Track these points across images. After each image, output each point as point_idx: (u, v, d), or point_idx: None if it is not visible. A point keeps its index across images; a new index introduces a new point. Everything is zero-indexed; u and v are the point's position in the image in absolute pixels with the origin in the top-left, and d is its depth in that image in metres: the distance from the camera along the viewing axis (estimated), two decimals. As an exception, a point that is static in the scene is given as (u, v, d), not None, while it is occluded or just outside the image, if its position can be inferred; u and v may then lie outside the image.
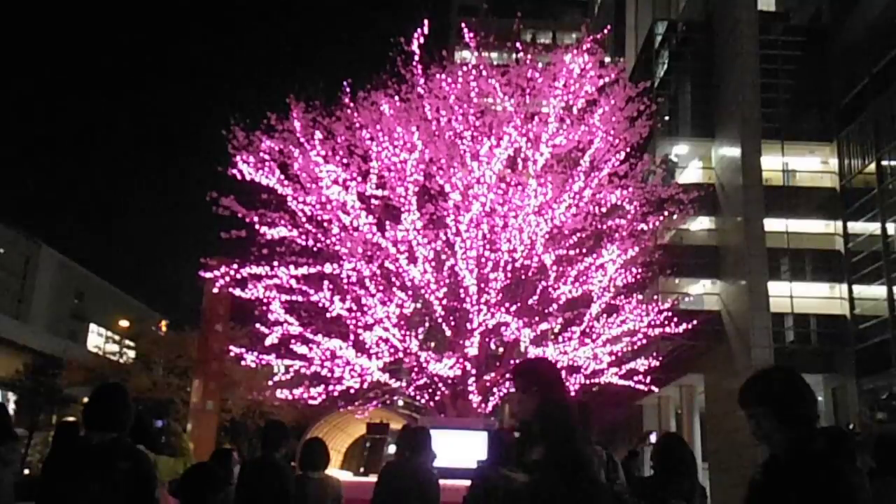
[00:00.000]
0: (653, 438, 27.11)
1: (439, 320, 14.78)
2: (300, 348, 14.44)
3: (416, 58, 14.67)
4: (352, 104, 14.85)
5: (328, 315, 14.34)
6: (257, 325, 14.68)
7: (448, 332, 15.02)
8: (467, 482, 4.74)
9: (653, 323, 15.87)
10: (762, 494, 2.31)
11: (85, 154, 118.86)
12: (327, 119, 14.83)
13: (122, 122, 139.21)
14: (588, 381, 15.50)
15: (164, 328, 34.27)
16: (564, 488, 2.55)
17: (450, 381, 14.76)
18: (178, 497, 3.89)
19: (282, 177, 14.56)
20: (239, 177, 14.43)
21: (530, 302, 15.22)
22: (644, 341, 16.11)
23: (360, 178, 14.53)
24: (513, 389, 3.07)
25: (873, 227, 25.11)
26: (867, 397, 23.94)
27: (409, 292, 14.62)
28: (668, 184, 18.76)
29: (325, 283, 14.15)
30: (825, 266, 26.74)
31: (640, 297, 16.65)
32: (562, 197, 14.69)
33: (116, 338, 36.72)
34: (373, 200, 14.61)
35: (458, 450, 8.77)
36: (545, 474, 2.62)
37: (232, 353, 15.68)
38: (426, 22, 14.62)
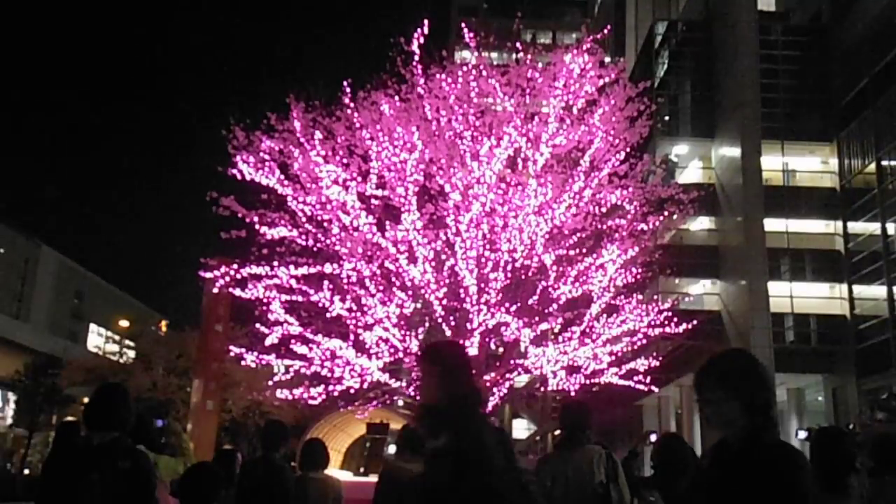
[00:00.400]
0: (653, 438, 27.13)
1: (439, 320, 14.77)
2: (300, 348, 14.44)
3: (416, 58, 14.66)
4: (352, 104, 14.84)
5: (328, 315, 14.34)
6: (257, 325, 14.68)
7: (448, 332, 15.02)
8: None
9: (653, 323, 15.86)
10: (710, 482, 2.25)
11: (85, 154, 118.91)
12: (327, 119, 14.82)
13: (122, 122, 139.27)
14: (588, 381, 15.50)
15: (164, 328, 34.28)
16: (458, 478, 2.41)
17: (450, 381, 14.74)
18: (179, 497, 3.89)
19: (282, 177, 14.56)
20: (239, 177, 14.43)
21: (530, 302, 15.21)
22: (644, 341, 16.10)
23: (360, 178, 14.52)
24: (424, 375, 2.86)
25: (873, 227, 25.12)
26: (867, 397, 23.95)
27: (409, 292, 14.62)
28: (668, 184, 18.75)
29: (325, 283, 14.15)
30: (825, 266, 26.76)
31: (640, 297, 16.63)
32: (562, 197, 14.69)
33: (116, 338, 36.73)
34: (373, 200, 14.60)
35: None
36: (441, 463, 2.48)
37: (232, 353, 15.69)
38: (426, 22, 14.62)
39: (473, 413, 2.59)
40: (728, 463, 2.18)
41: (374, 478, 5.64)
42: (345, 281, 14.40)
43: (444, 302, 14.56)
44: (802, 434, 20.45)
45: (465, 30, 15.49)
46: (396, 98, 14.84)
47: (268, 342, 14.39)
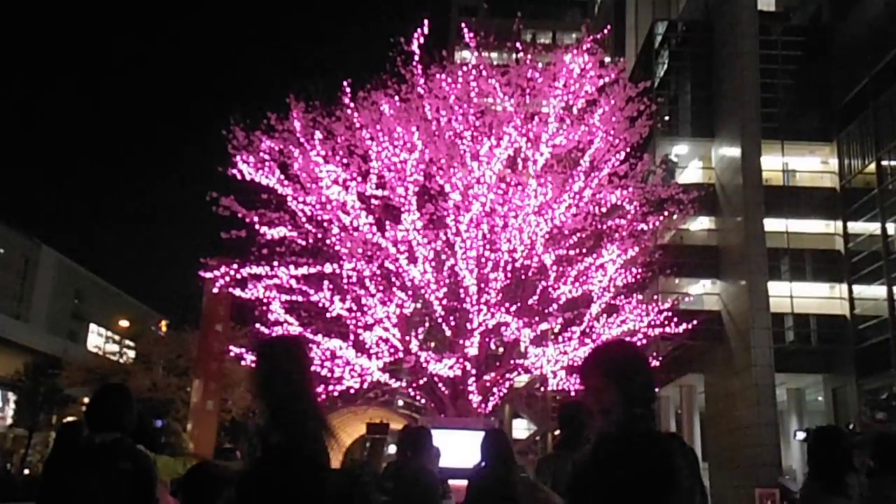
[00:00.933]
0: (653, 438, 27.13)
1: (439, 320, 14.78)
2: (300, 348, 14.43)
3: (416, 58, 14.67)
4: (352, 104, 14.85)
5: (328, 315, 14.35)
6: (257, 325, 14.69)
7: (448, 332, 15.02)
8: (466, 482, 4.75)
9: (653, 323, 15.87)
10: (588, 473, 2.23)
11: (85, 154, 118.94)
12: (327, 119, 14.83)
13: (122, 122, 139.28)
14: (588, 381, 15.48)
15: (164, 328, 34.27)
16: (272, 478, 2.37)
17: (450, 381, 14.77)
18: (179, 497, 3.89)
19: (282, 177, 14.57)
20: (239, 177, 14.43)
21: (530, 302, 15.22)
22: (644, 341, 16.10)
23: (360, 178, 14.53)
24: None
25: (873, 227, 25.11)
26: (867, 397, 23.94)
27: (409, 292, 14.63)
28: (668, 184, 18.75)
29: (325, 283, 14.16)
30: (825, 266, 26.74)
31: (640, 297, 16.64)
32: (562, 197, 14.69)
33: (116, 338, 36.74)
34: (373, 200, 14.62)
35: (458, 450, 8.76)
36: (260, 463, 2.43)
37: (232, 353, 15.70)
38: (426, 22, 14.63)
39: (298, 413, 2.48)
40: (604, 453, 2.19)
41: (373, 478, 5.63)
42: (345, 281, 14.40)
43: (444, 302, 14.56)
44: (801, 435, 20.45)
45: (465, 30, 15.49)
46: (396, 98, 14.84)
47: (268, 342, 14.38)
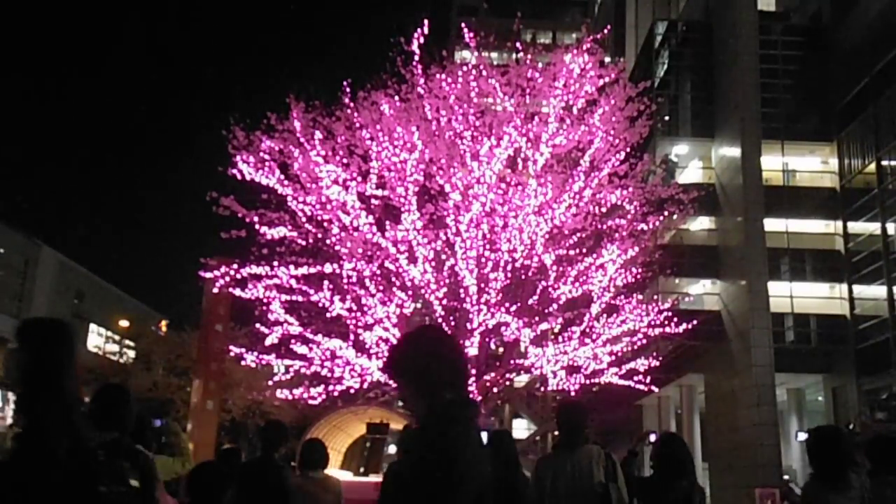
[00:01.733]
0: (652, 438, 27.17)
1: (439, 320, 14.79)
2: (300, 348, 14.46)
3: (416, 58, 14.67)
4: (352, 104, 14.86)
5: (328, 315, 14.37)
6: (257, 325, 14.70)
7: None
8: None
9: (653, 323, 15.88)
10: (394, 474, 2.21)
11: (85, 154, 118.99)
12: (327, 119, 14.84)
13: (122, 122, 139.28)
14: (588, 381, 15.51)
15: (164, 328, 34.25)
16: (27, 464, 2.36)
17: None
18: (189, 495, 3.90)
19: (282, 177, 14.58)
20: (239, 177, 14.44)
21: (530, 302, 15.23)
22: (644, 341, 16.12)
23: (360, 178, 14.54)
24: None
25: (873, 227, 25.11)
26: (867, 397, 23.93)
27: (409, 292, 14.64)
28: (668, 184, 18.76)
29: (325, 283, 14.17)
30: (825, 266, 26.73)
31: (640, 297, 16.65)
32: (562, 197, 14.70)
33: (116, 338, 36.68)
34: (373, 200, 14.62)
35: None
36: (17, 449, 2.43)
37: (232, 353, 15.71)
38: (426, 22, 14.64)
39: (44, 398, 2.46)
40: (404, 450, 2.19)
41: (374, 478, 5.64)
42: (345, 281, 14.41)
43: (444, 302, 14.57)
44: (802, 436, 20.45)
45: (465, 30, 15.49)
46: (396, 98, 14.85)
47: (268, 342, 14.41)
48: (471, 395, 2.20)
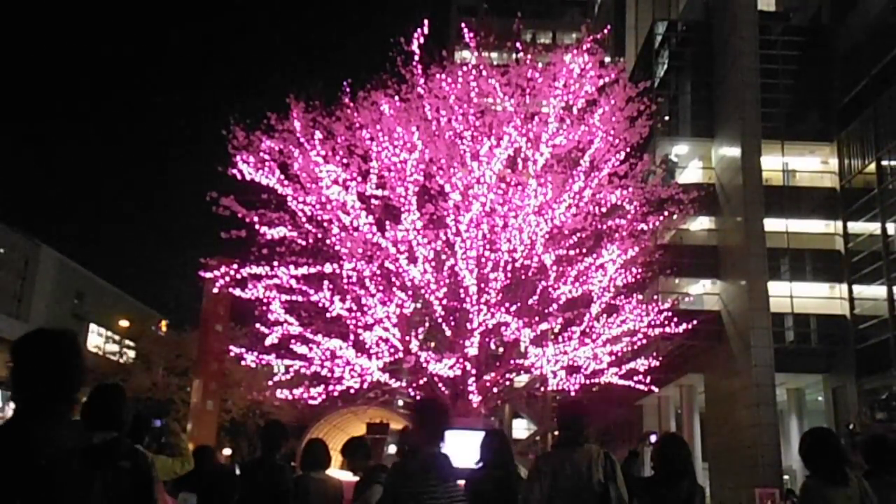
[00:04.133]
0: (653, 438, 27.20)
1: (439, 320, 14.78)
2: (300, 348, 14.45)
3: (416, 58, 14.66)
4: (352, 104, 14.85)
5: (328, 315, 14.35)
6: (257, 325, 14.68)
7: (448, 332, 15.02)
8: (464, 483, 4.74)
9: (653, 323, 15.88)
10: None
11: (85, 154, 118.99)
12: (327, 119, 14.83)
13: (122, 122, 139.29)
14: (588, 381, 15.50)
15: (164, 328, 34.25)
16: None
17: (450, 381, 14.77)
18: (199, 498, 3.89)
19: (282, 177, 14.57)
20: (239, 177, 14.43)
21: (530, 302, 15.22)
22: (644, 341, 16.11)
23: (360, 178, 14.53)
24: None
25: (873, 227, 25.12)
26: (867, 397, 23.94)
27: (409, 292, 14.62)
28: (668, 184, 18.76)
29: (325, 283, 14.16)
30: (825, 266, 26.75)
31: (640, 297, 16.65)
32: (562, 197, 14.69)
33: (116, 338, 36.67)
34: (373, 200, 14.61)
35: (458, 450, 8.77)
36: None
37: (232, 353, 15.69)
38: (426, 22, 14.63)
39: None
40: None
41: (373, 478, 5.62)
42: (345, 281, 14.40)
43: (444, 302, 14.56)
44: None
45: (465, 30, 15.48)
46: (396, 98, 14.83)
47: (268, 342, 14.39)
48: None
